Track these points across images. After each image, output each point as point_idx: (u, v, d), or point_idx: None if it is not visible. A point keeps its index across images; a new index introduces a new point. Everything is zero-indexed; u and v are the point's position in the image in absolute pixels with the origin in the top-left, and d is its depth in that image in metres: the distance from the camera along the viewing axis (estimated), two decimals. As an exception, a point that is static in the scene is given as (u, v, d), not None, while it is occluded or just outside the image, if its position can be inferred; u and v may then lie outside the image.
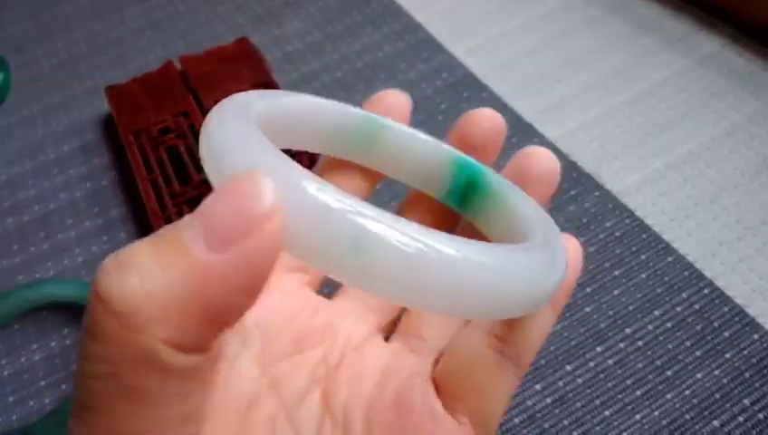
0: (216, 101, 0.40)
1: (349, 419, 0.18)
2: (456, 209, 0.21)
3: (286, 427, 0.18)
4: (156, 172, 0.37)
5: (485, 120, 0.21)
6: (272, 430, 0.17)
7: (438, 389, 0.18)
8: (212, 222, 0.12)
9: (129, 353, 0.12)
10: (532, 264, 0.14)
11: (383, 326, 0.22)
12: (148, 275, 0.12)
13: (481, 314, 0.14)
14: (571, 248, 0.17)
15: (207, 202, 0.12)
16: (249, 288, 0.12)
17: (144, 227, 0.37)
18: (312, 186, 0.12)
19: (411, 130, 0.21)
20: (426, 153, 0.21)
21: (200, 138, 0.15)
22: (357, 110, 0.21)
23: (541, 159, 0.20)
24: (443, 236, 0.13)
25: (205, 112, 0.40)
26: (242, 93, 0.18)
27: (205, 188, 0.36)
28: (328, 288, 0.23)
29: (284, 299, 0.20)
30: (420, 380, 0.19)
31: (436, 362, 0.19)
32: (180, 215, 0.35)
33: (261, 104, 0.17)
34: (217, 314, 0.12)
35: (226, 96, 0.46)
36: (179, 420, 0.13)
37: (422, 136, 0.21)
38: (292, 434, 0.18)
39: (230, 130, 0.14)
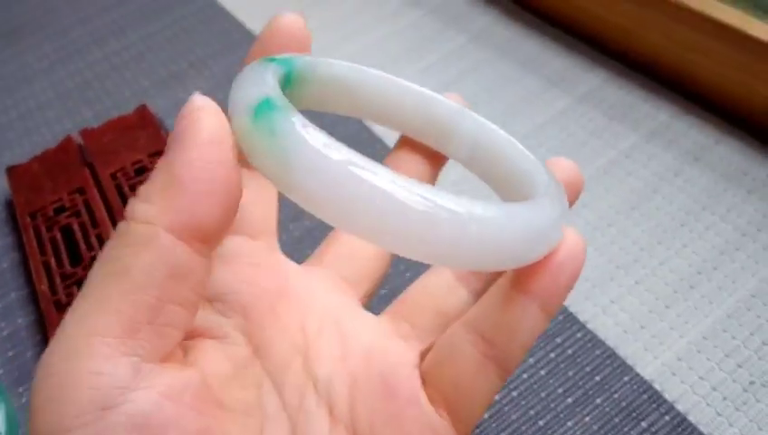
0: (112, 175, 0.41)
1: (332, 395, 0.18)
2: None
3: (272, 394, 0.18)
4: (49, 254, 0.38)
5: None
6: (258, 396, 0.18)
7: (424, 381, 0.18)
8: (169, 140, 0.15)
9: (131, 239, 0.15)
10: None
11: (362, 298, 0.22)
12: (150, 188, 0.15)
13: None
14: (569, 239, 0.16)
15: None
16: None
17: (40, 311, 0.37)
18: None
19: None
20: None
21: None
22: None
23: (563, 168, 0.19)
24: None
25: (100, 186, 0.41)
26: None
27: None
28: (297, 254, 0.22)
29: (255, 267, 0.20)
30: (407, 367, 0.19)
31: (425, 354, 0.19)
32: (70, 297, 0.36)
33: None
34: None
35: (122, 168, 0.45)
36: (153, 311, 0.15)
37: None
38: (278, 401, 0.18)
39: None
